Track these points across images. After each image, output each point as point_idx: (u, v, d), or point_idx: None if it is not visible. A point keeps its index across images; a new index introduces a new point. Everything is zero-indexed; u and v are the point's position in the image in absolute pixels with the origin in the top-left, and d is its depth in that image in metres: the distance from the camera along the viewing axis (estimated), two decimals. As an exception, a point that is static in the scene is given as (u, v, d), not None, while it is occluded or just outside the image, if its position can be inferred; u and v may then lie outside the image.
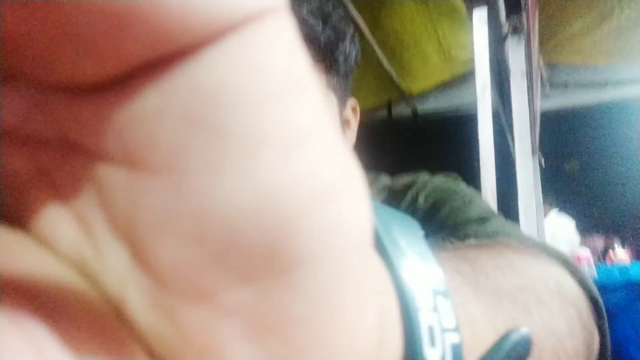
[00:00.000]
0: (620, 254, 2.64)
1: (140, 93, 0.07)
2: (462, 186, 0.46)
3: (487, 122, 1.38)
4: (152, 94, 0.07)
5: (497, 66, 1.57)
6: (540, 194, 2.25)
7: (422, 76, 2.62)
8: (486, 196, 1.29)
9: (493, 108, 1.41)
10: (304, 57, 0.08)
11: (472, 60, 1.41)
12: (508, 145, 1.64)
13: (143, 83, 0.07)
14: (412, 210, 0.43)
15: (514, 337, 0.14)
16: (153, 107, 0.07)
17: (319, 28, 0.39)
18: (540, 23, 2.01)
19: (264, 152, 0.07)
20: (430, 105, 2.90)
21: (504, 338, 0.14)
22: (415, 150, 2.84)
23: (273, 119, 0.07)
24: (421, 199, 0.44)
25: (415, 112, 2.95)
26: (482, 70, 1.39)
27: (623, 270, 2.02)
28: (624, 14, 2.05)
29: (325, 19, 0.46)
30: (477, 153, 1.38)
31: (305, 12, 0.38)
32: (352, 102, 0.48)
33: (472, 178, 0.97)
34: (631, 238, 2.97)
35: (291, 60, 0.08)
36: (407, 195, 0.45)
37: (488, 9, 1.39)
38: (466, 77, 2.34)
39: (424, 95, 2.81)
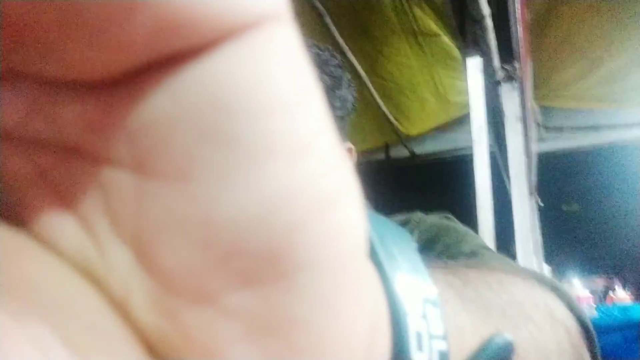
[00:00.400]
0: (621, 296, 2.61)
1: (148, 95, 0.07)
2: (456, 224, 0.47)
3: (484, 163, 1.40)
4: (161, 97, 0.07)
5: (493, 110, 1.61)
6: (539, 235, 2.24)
7: (420, 119, 2.66)
8: (484, 237, 1.30)
9: (489, 150, 1.43)
10: (308, 66, 0.08)
11: (468, 104, 1.45)
12: (505, 187, 1.66)
13: (151, 84, 0.07)
14: None
15: (498, 340, 0.15)
16: (163, 112, 0.07)
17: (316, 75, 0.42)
18: (533, 70, 2.08)
19: (269, 161, 0.07)
20: (428, 147, 2.94)
21: (488, 341, 0.15)
22: (413, 191, 2.85)
23: (278, 127, 0.07)
24: (416, 236, 0.45)
25: (412, 154, 2.99)
26: (478, 114, 1.42)
27: (623, 310, 1.99)
28: (612, 62, 2.12)
29: (321, 67, 0.49)
30: (474, 195, 1.39)
31: None
32: (347, 144, 0.51)
33: (470, 219, 0.98)
34: (632, 280, 2.94)
35: (295, 69, 0.08)
36: None
37: (481, 56, 1.44)
38: (463, 120, 2.38)
39: (421, 137, 2.85)
